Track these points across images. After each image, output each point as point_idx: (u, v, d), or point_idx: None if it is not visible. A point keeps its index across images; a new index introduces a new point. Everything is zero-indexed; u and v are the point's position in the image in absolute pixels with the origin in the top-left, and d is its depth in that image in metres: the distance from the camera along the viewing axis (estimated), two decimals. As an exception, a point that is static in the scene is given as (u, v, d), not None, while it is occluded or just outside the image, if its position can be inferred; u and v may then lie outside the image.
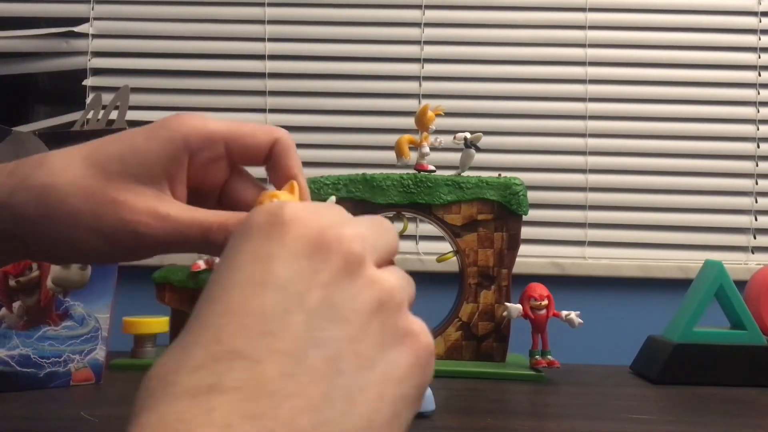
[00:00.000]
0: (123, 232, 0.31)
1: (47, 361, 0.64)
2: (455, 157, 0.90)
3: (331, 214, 0.24)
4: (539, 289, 0.77)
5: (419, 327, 0.23)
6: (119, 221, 0.31)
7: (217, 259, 0.87)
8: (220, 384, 0.19)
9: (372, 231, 0.25)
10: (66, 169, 0.32)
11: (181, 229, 0.32)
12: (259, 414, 0.18)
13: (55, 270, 0.65)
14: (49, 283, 0.64)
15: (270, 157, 0.35)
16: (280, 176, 0.35)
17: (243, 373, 0.19)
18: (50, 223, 0.31)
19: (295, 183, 0.35)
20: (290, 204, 0.24)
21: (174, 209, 0.32)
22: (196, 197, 0.36)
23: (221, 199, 0.37)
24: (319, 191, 0.84)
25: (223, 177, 0.36)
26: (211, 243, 0.32)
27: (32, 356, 0.64)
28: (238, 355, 0.19)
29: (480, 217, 0.84)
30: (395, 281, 0.23)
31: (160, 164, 0.32)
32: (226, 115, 1.24)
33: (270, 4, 1.25)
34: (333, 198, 0.35)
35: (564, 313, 0.76)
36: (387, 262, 0.25)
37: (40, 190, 0.31)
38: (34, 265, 0.64)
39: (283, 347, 0.20)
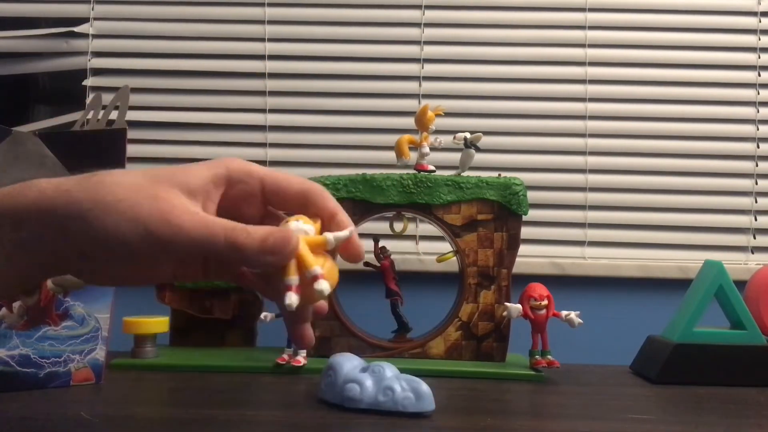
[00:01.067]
0: (158, 219, 0.34)
1: (47, 361, 0.64)
2: (455, 157, 0.90)
3: None
4: (539, 289, 0.78)
5: None
6: (156, 209, 0.34)
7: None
8: None
9: None
10: (124, 173, 0.36)
11: (202, 226, 0.35)
12: None
13: (55, 270, 0.65)
14: (49, 283, 0.64)
15: (306, 205, 0.39)
16: (322, 215, 0.40)
17: None
18: (95, 208, 0.34)
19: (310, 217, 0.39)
20: None
21: (200, 210, 0.36)
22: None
23: None
24: (319, 191, 0.84)
25: (257, 213, 0.40)
26: (214, 244, 0.35)
27: (32, 356, 0.64)
28: None
29: (480, 217, 0.84)
30: None
31: (202, 181, 0.37)
32: (226, 114, 1.24)
33: (270, 4, 1.25)
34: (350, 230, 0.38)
35: (564, 313, 0.76)
36: None
37: (96, 182, 0.35)
38: (34, 265, 0.64)
39: None
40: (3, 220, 0.35)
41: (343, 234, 0.38)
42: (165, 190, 0.35)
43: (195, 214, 0.35)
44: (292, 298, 0.35)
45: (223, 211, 0.38)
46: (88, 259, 0.35)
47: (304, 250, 0.36)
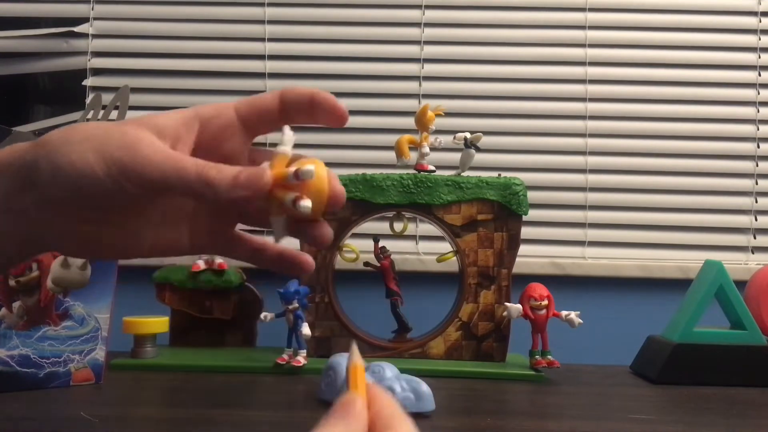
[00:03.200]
0: (125, 151, 0.33)
1: (47, 361, 0.64)
2: (455, 157, 0.90)
3: None
4: (539, 289, 0.78)
5: None
6: (123, 142, 0.34)
7: (217, 259, 0.86)
8: None
9: None
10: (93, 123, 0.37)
11: (171, 160, 0.34)
12: None
13: (55, 270, 0.65)
14: (49, 283, 0.64)
15: (284, 106, 0.38)
16: (303, 102, 0.38)
17: None
18: (62, 146, 0.34)
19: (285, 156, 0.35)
20: None
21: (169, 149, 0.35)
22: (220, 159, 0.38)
23: None
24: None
25: (240, 148, 0.39)
26: (184, 178, 0.34)
27: (32, 356, 0.64)
28: None
29: (480, 217, 0.84)
30: None
31: (172, 123, 0.36)
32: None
33: (270, 4, 1.25)
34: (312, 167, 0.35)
35: (564, 313, 0.76)
36: None
37: (64, 128, 0.35)
38: (34, 265, 0.64)
39: None
40: None
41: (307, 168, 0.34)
42: (133, 128, 0.35)
43: (164, 149, 0.34)
44: (305, 204, 0.33)
45: (202, 152, 0.37)
46: (51, 206, 0.35)
47: (280, 172, 0.34)
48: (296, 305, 0.77)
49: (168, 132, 0.36)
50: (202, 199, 0.34)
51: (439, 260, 0.89)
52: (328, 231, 0.38)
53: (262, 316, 0.80)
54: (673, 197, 1.23)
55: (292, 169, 0.34)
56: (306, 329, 0.78)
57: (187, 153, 0.37)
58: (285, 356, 0.78)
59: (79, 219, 0.35)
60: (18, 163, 0.35)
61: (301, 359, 0.77)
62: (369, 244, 0.92)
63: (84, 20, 1.24)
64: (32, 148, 0.35)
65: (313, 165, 0.34)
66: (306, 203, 0.34)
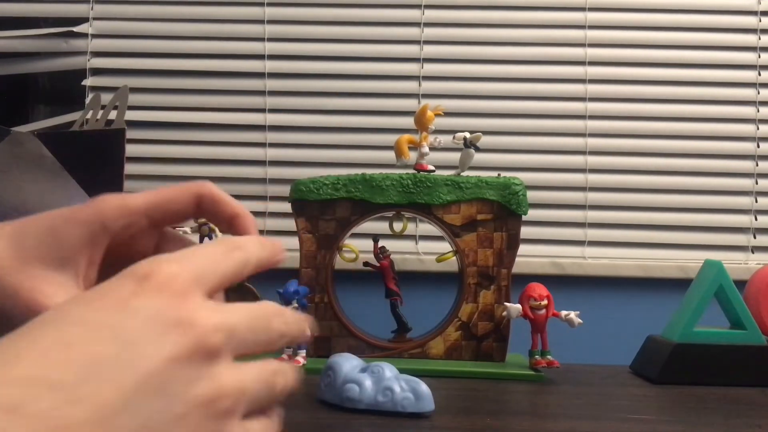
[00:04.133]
0: (16, 305, 0.32)
1: (46, 362, 0.64)
2: (455, 157, 0.90)
3: (212, 280, 0.26)
4: (539, 289, 0.77)
5: None
6: (17, 295, 0.32)
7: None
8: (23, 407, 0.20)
9: (246, 321, 0.26)
10: None
11: None
12: None
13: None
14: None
15: (201, 211, 0.36)
16: (222, 220, 0.36)
17: (50, 403, 0.20)
18: None
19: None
20: (168, 265, 0.25)
21: (72, 286, 0.33)
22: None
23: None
24: (318, 191, 0.84)
25: (153, 243, 0.37)
26: None
27: (31, 356, 0.64)
28: (53, 386, 0.21)
29: (479, 217, 0.84)
30: (241, 385, 0.25)
31: (75, 247, 0.33)
32: (225, 114, 1.24)
33: (270, 4, 1.25)
34: None
35: (564, 313, 0.76)
36: (257, 350, 0.27)
37: None
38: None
39: (99, 399, 0.21)
40: None
41: None
42: (34, 270, 0.33)
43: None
44: None
45: (113, 256, 0.35)
46: None
47: None
48: (295, 305, 0.77)
49: (71, 260, 0.33)
50: None
51: (438, 260, 0.89)
52: None
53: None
54: (673, 197, 1.23)
55: None
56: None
57: (95, 271, 0.35)
58: (284, 356, 0.78)
59: None
60: None
61: (300, 359, 0.77)
62: (368, 244, 0.92)
63: (83, 20, 1.24)
64: None
65: None
66: None
